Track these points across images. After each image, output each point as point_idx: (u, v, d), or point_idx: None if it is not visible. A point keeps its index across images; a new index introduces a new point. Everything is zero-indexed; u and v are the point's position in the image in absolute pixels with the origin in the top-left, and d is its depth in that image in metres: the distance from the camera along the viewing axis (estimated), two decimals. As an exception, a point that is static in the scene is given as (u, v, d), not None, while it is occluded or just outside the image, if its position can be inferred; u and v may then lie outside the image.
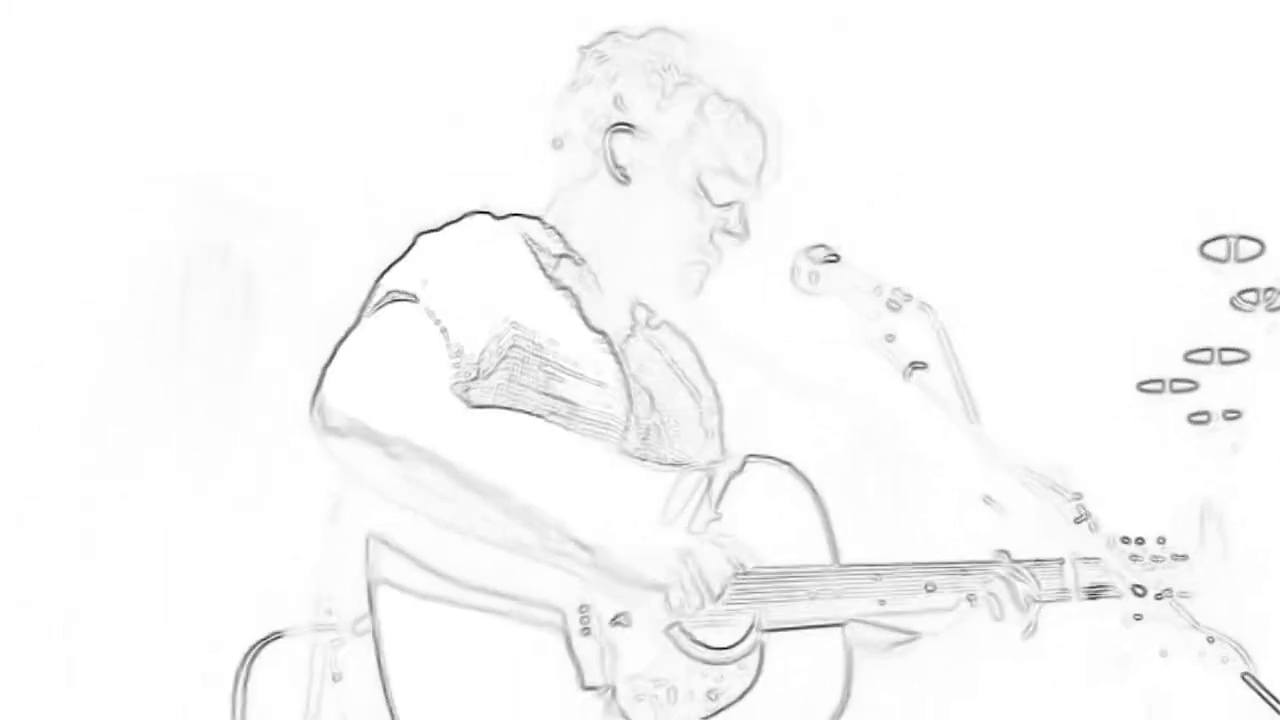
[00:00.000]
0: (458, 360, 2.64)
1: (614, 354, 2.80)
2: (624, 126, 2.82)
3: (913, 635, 2.83)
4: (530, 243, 2.81)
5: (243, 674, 2.78)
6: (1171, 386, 3.10)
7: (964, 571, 2.79)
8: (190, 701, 2.98)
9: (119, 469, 3.07)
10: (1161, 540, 2.85)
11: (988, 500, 2.87)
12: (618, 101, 2.83)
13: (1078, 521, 2.83)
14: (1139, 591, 2.82)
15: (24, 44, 3.16)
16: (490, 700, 2.62)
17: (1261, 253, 3.12)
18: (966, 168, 3.13)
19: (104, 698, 3.03)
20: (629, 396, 2.78)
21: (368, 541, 2.64)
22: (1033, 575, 2.80)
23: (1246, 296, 3.12)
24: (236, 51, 3.16)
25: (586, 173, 2.84)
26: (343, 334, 2.67)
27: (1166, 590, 2.83)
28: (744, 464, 2.75)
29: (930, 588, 2.78)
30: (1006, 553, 2.82)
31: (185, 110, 3.15)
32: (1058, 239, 3.12)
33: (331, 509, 2.72)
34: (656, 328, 2.91)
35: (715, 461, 2.81)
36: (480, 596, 2.62)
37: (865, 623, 2.78)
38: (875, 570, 2.76)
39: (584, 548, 2.63)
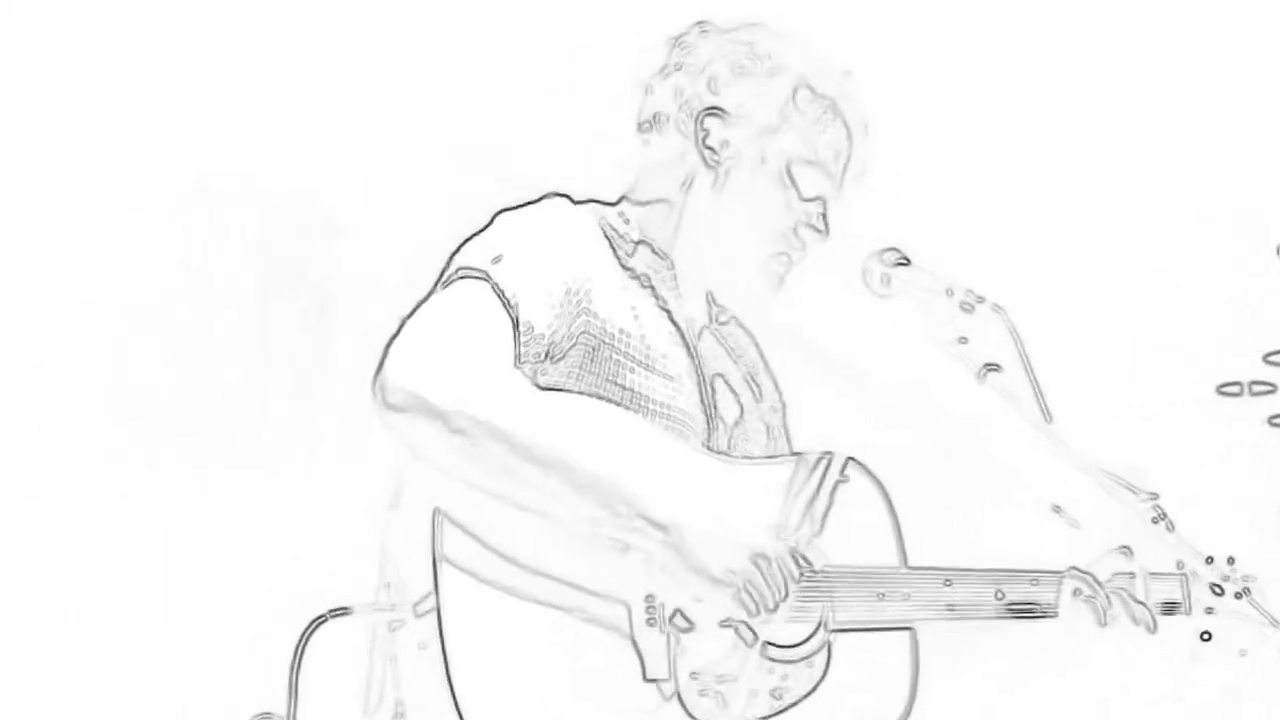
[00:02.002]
0: (528, 339, 2.61)
1: (687, 348, 2.79)
2: (716, 110, 2.81)
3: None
4: (607, 228, 2.80)
5: (299, 651, 2.76)
6: (1250, 389, 3.07)
7: (1034, 581, 2.76)
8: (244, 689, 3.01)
9: (194, 475, 3.10)
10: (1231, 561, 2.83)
11: (1057, 510, 2.85)
12: (711, 85, 2.81)
13: (1154, 522, 2.81)
14: (1217, 590, 2.80)
15: (114, 74, 3.20)
16: (550, 686, 2.60)
17: (1340, 253, 3.11)
18: (1041, 169, 3.11)
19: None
20: (701, 392, 2.77)
21: (434, 516, 2.61)
22: (1120, 591, 2.77)
23: (1325, 297, 3.10)
24: (315, 80, 3.19)
25: (674, 157, 2.82)
26: (410, 309, 2.66)
27: (1245, 588, 2.80)
28: (844, 469, 2.73)
29: (1000, 595, 2.75)
30: (1077, 568, 2.79)
31: (262, 136, 3.18)
32: (1135, 240, 3.11)
33: (395, 489, 2.70)
34: (724, 323, 2.90)
35: (817, 456, 2.77)
36: (543, 584, 2.59)
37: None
38: (946, 575, 2.74)
39: (656, 525, 2.59)
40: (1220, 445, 3.05)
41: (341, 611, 2.76)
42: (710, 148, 2.80)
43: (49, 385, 3.13)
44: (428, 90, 3.16)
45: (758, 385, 2.88)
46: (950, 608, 2.72)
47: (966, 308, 2.85)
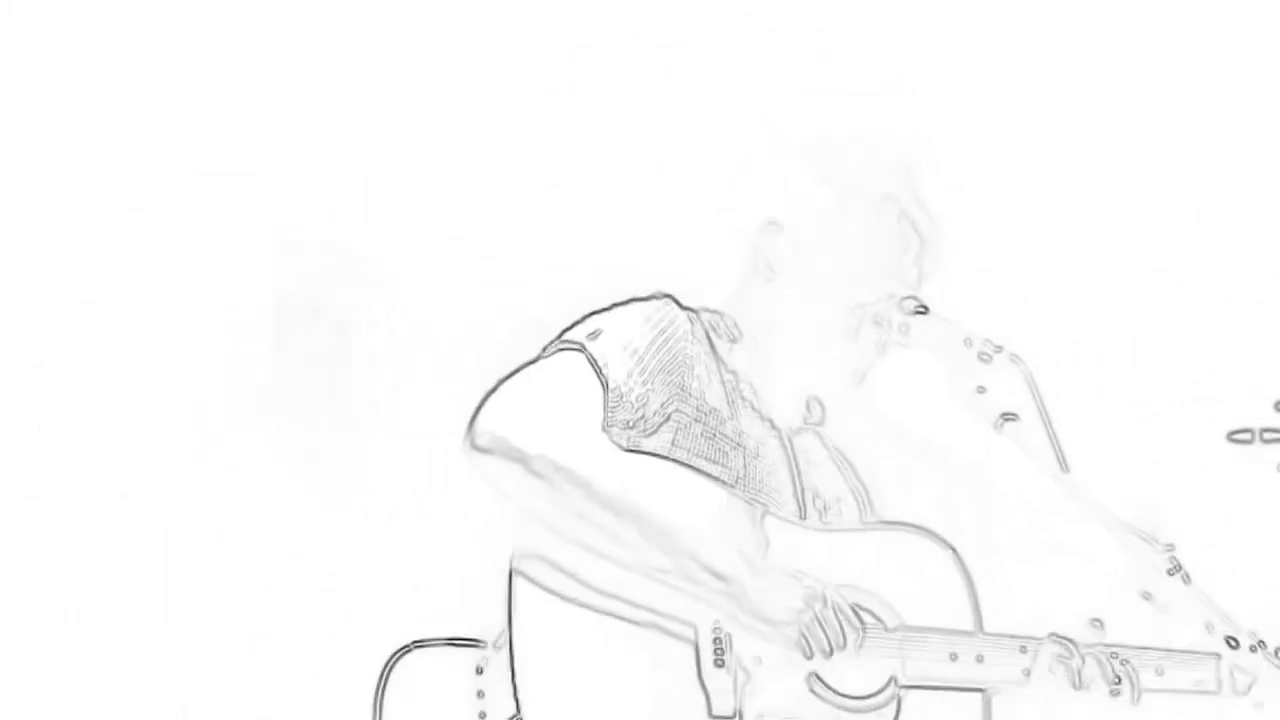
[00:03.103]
0: (616, 405, 2.75)
1: (782, 442, 2.88)
2: (772, 223, 2.88)
3: None
4: (707, 327, 2.90)
5: (383, 681, 2.86)
6: (1261, 436, 3.09)
7: (1114, 655, 2.80)
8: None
9: (211, 508, 3.12)
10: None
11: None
12: (767, 200, 2.90)
13: (1170, 573, 2.83)
14: (1233, 644, 2.82)
15: (123, 99, 3.21)
16: (616, 708, 2.71)
17: (1353, 301, 3.12)
18: (1054, 217, 3.13)
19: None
20: (794, 484, 2.87)
21: (514, 549, 2.76)
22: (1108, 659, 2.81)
23: (1338, 345, 3.11)
24: (329, 107, 3.20)
25: (753, 268, 2.92)
26: (505, 374, 2.78)
27: (1260, 642, 2.82)
28: None
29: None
30: (1100, 621, 2.82)
31: (277, 166, 3.19)
32: (1147, 290, 3.12)
33: (490, 522, 2.82)
34: (820, 424, 2.97)
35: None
36: (615, 604, 2.72)
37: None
38: (1022, 642, 2.80)
39: (718, 576, 2.70)
40: (1233, 494, 3.06)
41: (414, 646, 2.87)
42: (766, 261, 2.89)
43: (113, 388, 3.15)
44: (428, 92, 3.18)
45: (860, 484, 2.97)
46: (1026, 673, 2.78)
47: (984, 357, 2.86)
